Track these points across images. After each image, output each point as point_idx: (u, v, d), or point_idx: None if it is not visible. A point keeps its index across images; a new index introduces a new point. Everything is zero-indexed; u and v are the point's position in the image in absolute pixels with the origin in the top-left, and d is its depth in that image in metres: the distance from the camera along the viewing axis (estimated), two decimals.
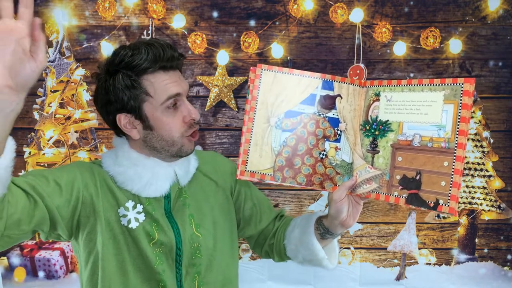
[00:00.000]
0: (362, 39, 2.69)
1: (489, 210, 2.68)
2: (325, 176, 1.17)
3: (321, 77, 1.18)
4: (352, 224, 1.19)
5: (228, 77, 2.70)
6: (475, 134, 2.66)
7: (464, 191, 2.68)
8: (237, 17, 2.74)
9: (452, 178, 1.03)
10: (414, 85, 1.11)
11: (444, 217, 2.73)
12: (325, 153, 1.18)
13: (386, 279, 2.74)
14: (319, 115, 1.18)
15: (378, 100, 1.17)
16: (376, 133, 1.16)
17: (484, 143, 2.65)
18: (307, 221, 1.27)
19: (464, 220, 2.73)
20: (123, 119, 1.15)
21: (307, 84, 1.18)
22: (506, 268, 2.77)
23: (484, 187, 2.67)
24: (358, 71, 2.66)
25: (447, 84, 1.06)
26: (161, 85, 1.13)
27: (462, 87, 1.04)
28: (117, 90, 1.13)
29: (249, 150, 1.17)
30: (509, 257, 2.79)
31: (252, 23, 2.73)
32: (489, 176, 2.65)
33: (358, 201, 1.18)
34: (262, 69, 1.18)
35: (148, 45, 1.12)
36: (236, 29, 2.74)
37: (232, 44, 2.73)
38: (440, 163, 1.05)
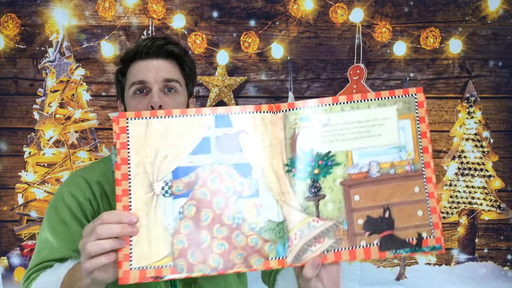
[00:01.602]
0: (362, 39, 2.69)
1: (489, 210, 2.68)
2: (249, 249, 0.83)
3: (212, 112, 0.86)
4: None
5: (228, 77, 2.70)
6: (475, 134, 2.65)
7: (464, 191, 2.68)
8: (237, 17, 2.74)
9: (428, 203, 0.87)
10: (357, 101, 0.89)
11: (444, 217, 2.73)
12: (241, 216, 0.84)
13: (386, 279, 2.74)
14: (221, 164, 0.85)
15: (308, 127, 0.88)
16: (316, 171, 0.87)
17: (484, 143, 2.65)
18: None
19: (464, 220, 2.73)
20: (119, 105, 1.29)
21: (194, 125, 0.85)
22: (506, 268, 2.77)
23: (484, 187, 2.67)
24: (358, 71, 2.67)
25: (398, 97, 0.89)
26: (133, 72, 1.21)
27: (416, 98, 0.89)
28: (115, 80, 1.29)
29: (131, 237, 0.80)
30: (509, 257, 2.79)
31: (252, 23, 2.73)
32: (489, 176, 2.65)
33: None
34: (127, 119, 0.84)
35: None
36: (236, 29, 2.74)
37: (232, 44, 2.73)
38: (410, 190, 0.87)
